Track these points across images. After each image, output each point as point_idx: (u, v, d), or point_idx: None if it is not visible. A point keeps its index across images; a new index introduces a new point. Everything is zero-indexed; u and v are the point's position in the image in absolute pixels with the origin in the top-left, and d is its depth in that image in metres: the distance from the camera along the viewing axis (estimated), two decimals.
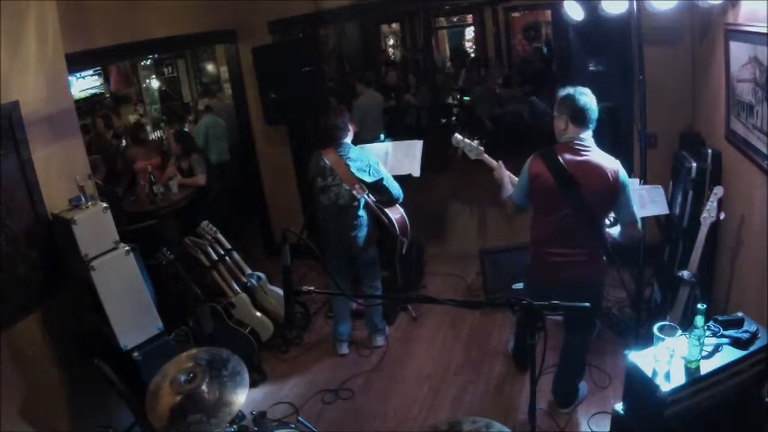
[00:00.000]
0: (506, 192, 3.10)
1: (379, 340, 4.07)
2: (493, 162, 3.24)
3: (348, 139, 3.70)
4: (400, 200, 3.85)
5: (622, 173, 2.72)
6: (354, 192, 3.60)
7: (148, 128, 8.02)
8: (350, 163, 3.60)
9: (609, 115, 4.69)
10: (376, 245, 3.87)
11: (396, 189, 3.79)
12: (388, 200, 3.81)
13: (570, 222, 2.76)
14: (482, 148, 3.29)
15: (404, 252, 3.93)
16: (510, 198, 3.01)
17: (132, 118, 8.31)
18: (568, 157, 2.72)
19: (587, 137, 2.76)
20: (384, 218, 3.77)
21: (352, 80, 7.49)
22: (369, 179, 3.64)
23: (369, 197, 3.69)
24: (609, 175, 2.68)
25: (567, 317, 3.07)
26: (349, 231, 3.68)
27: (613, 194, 2.71)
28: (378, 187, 3.72)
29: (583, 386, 3.26)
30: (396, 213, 3.83)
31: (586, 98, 2.74)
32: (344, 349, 4.04)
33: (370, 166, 3.65)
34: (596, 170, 2.69)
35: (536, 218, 2.93)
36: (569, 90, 2.79)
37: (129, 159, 5.98)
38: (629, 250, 3.85)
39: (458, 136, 3.35)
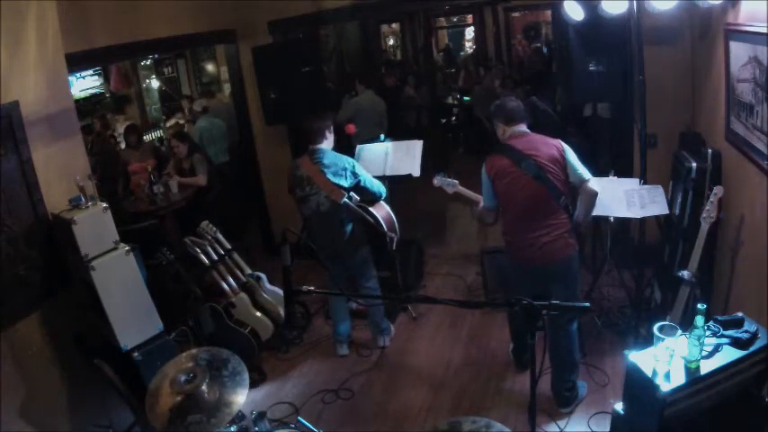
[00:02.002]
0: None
1: (383, 340, 4.06)
2: (473, 195, 3.42)
3: (324, 145, 3.64)
4: (383, 197, 3.82)
5: (563, 143, 3.05)
6: (334, 197, 3.56)
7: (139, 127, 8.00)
8: (324, 170, 3.54)
9: (609, 115, 4.71)
10: (368, 244, 3.86)
11: (376, 188, 3.75)
12: (371, 199, 3.78)
13: (535, 196, 2.95)
14: (456, 182, 3.53)
15: (394, 248, 3.89)
16: (482, 208, 3.26)
17: (125, 121, 8.30)
18: (515, 141, 3.05)
19: (524, 128, 3.11)
20: (369, 217, 3.72)
21: (352, 80, 7.50)
22: (346, 183, 3.58)
23: (350, 200, 3.64)
24: (553, 144, 3.02)
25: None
26: (336, 237, 3.66)
27: (563, 157, 2.98)
28: (358, 189, 3.69)
29: (582, 386, 3.26)
30: (380, 211, 3.77)
31: (511, 102, 3.16)
32: (344, 350, 4.04)
33: (345, 170, 3.58)
34: (542, 142, 3.03)
35: (504, 209, 3.14)
36: (495, 102, 3.23)
37: (123, 162, 5.99)
38: (630, 250, 3.87)
39: (438, 178, 3.58)
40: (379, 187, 3.78)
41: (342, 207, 3.60)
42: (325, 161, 3.58)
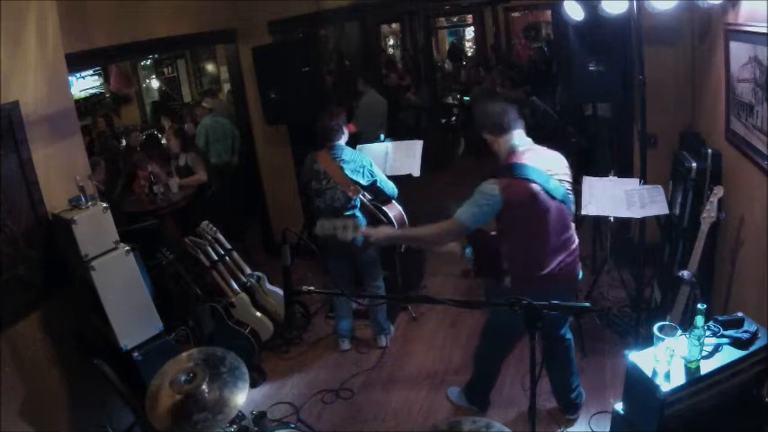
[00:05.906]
0: (421, 238, 3.00)
1: (384, 341, 4.06)
2: (377, 233, 2.92)
3: (342, 141, 3.68)
4: (395, 197, 3.86)
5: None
6: (349, 194, 3.59)
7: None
8: (343, 165, 3.59)
9: (609, 115, 4.71)
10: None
11: (390, 188, 3.79)
12: (384, 199, 3.81)
13: (558, 221, 2.64)
14: (358, 225, 2.84)
15: (403, 249, 3.92)
16: (455, 223, 2.81)
17: (129, 123, 8.30)
18: (530, 158, 2.62)
19: (523, 136, 2.71)
20: (382, 217, 3.76)
21: (352, 80, 7.52)
22: (363, 181, 3.63)
23: (364, 198, 3.68)
24: (561, 157, 2.74)
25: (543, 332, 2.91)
26: None
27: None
28: (373, 188, 3.72)
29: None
30: (393, 210, 3.81)
31: (496, 105, 2.77)
32: (346, 345, 4.05)
33: (363, 167, 3.63)
34: (555, 157, 2.73)
35: (523, 238, 2.68)
36: (483, 108, 2.82)
37: (134, 165, 5.98)
38: (630, 250, 3.86)
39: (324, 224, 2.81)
40: (393, 188, 3.82)
41: (356, 204, 3.63)
42: (345, 157, 3.62)
